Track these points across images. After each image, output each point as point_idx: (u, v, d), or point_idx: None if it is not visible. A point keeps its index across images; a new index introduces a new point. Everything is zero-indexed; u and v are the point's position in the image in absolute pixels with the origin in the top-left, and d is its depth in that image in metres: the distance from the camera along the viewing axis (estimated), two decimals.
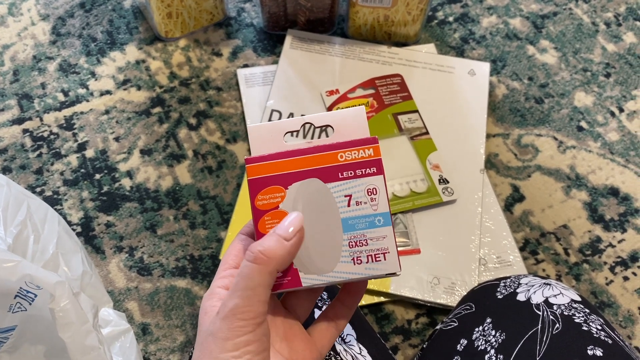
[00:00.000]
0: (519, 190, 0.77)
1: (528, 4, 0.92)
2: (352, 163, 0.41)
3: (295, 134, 0.72)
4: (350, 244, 0.40)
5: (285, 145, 0.42)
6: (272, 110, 0.79)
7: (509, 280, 0.54)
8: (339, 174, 0.41)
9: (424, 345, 0.57)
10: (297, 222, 0.39)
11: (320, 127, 0.43)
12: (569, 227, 0.75)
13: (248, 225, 0.44)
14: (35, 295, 0.53)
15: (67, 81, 0.84)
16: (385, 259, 0.40)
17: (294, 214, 0.39)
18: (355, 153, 0.41)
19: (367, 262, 0.40)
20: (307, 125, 0.41)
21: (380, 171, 0.41)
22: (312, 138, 0.38)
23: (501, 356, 0.46)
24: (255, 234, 0.41)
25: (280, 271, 0.39)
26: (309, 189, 0.41)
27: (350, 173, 0.41)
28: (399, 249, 0.70)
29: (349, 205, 0.40)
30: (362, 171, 0.41)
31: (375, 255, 0.40)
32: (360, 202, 0.40)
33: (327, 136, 0.43)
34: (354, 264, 0.40)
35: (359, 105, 0.40)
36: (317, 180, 0.41)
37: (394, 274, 0.40)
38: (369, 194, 0.40)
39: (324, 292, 0.52)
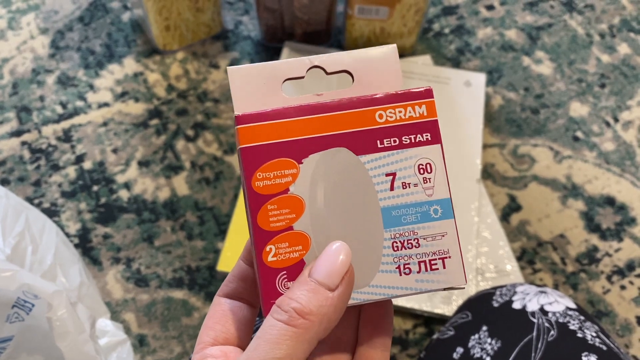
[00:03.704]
0: (515, 200, 0.78)
1: (523, 15, 0.92)
2: (397, 127, 0.29)
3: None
4: (395, 245, 0.29)
5: (286, 99, 0.30)
6: None
7: (504, 288, 0.54)
8: (377, 142, 0.29)
9: (421, 355, 0.57)
10: (345, 261, 0.27)
11: (334, 73, 0.31)
12: (565, 237, 0.75)
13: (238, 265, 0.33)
14: (33, 305, 0.54)
15: (65, 94, 0.84)
16: (444, 267, 0.29)
17: (336, 248, 0.28)
18: (400, 112, 0.29)
19: (418, 272, 0.29)
20: (315, 71, 0.30)
21: (436, 139, 0.29)
22: (323, 90, 0.31)
23: None
24: (253, 239, 0.29)
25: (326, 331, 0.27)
26: (333, 164, 0.29)
27: (394, 141, 0.29)
28: None
29: (392, 188, 0.29)
30: (410, 138, 0.29)
31: (431, 261, 0.29)
32: (409, 183, 0.29)
33: (342, 88, 0.31)
34: (400, 274, 0.29)
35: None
36: (345, 150, 0.29)
37: (456, 288, 0.29)
38: (421, 172, 0.29)
39: None
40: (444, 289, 0.29)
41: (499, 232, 0.74)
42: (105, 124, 0.82)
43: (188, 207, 0.77)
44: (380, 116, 0.29)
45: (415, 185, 0.29)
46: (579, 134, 0.82)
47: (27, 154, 0.80)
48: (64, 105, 0.84)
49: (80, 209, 0.76)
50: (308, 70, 0.30)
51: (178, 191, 0.78)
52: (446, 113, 0.81)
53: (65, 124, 0.82)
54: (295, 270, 0.28)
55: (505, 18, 0.92)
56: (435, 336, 0.57)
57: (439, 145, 0.29)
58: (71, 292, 0.60)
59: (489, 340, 0.49)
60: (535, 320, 0.47)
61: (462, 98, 0.83)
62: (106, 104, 0.84)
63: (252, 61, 0.88)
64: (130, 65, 0.87)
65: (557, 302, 0.49)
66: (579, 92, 0.86)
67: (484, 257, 0.72)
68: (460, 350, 0.50)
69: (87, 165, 0.79)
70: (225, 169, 0.79)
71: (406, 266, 0.28)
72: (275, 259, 0.29)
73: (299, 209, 0.29)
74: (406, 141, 0.29)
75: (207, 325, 0.30)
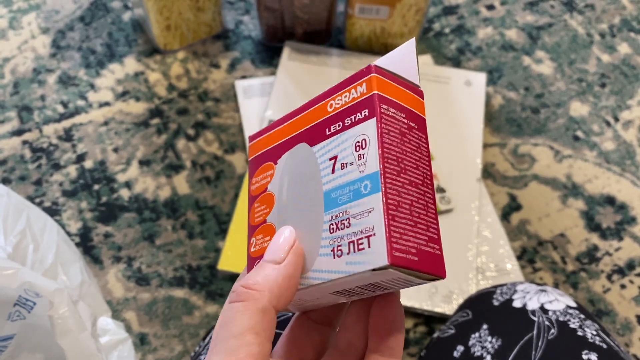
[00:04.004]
0: (516, 199, 0.78)
1: (523, 15, 0.93)
2: (342, 111, 0.29)
3: None
4: (332, 227, 0.27)
5: None
6: (270, 121, 0.80)
7: (505, 287, 0.54)
8: (326, 130, 0.29)
9: (422, 354, 0.57)
10: (288, 238, 0.29)
11: None
12: (566, 236, 0.75)
13: None
14: (34, 304, 0.54)
15: (66, 93, 0.84)
16: (369, 246, 0.26)
17: (282, 229, 0.29)
18: (346, 96, 0.29)
19: (347, 254, 0.26)
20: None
21: (372, 113, 0.27)
22: None
23: None
24: (248, 230, 0.32)
25: (284, 308, 0.28)
26: (295, 159, 0.30)
27: (339, 125, 0.29)
28: None
29: (333, 171, 0.28)
30: (351, 119, 0.28)
31: (358, 241, 0.26)
32: (346, 163, 0.28)
33: None
34: (334, 257, 0.27)
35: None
36: (304, 145, 0.30)
37: (384, 271, 0.25)
38: (357, 149, 0.28)
39: None
40: (371, 271, 0.26)
41: (499, 231, 0.74)
42: (106, 123, 0.82)
43: (189, 206, 0.77)
44: (331, 105, 0.29)
45: (352, 163, 0.27)
46: (579, 133, 0.82)
47: (28, 153, 0.80)
48: (65, 104, 0.84)
49: (81, 208, 0.76)
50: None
51: (179, 190, 0.78)
52: (446, 112, 0.81)
53: (66, 123, 0.82)
54: None
55: (505, 18, 0.92)
56: (435, 335, 0.57)
57: (374, 118, 0.27)
58: (72, 291, 0.60)
59: (489, 338, 0.49)
60: (535, 319, 0.47)
61: (462, 97, 0.83)
62: (107, 104, 0.84)
63: (252, 61, 0.88)
64: (131, 64, 0.87)
65: (558, 301, 0.49)
66: (579, 92, 0.86)
67: (484, 256, 0.72)
68: (460, 348, 0.50)
69: (88, 164, 0.79)
70: (225, 168, 0.79)
71: (339, 248, 0.27)
72: (254, 249, 0.31)
73: (271, 204, 0.31)
74: (348, 122, 0.28)
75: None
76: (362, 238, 0.26)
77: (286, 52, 0.86)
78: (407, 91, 0.29)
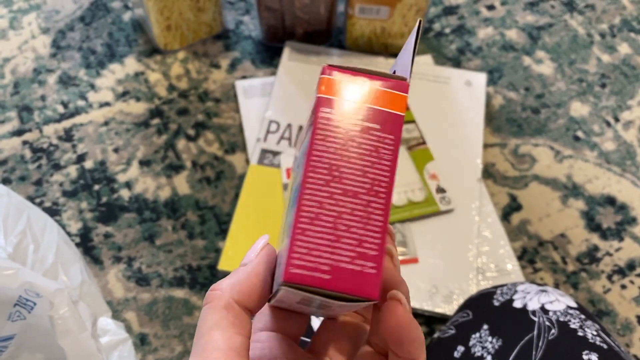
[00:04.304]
0: (516, 199, 0.78)
1: (524, 15, 0.93)
2: (310, 118, 0.29)
3: None
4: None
5: None
6: (270, 121, 0.80)
7: (505, 287, 0.54)
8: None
9: None
10: (262, 240, 0.29)
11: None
12: (566, 236, 0.75)
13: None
14: (35, 304, 0.54)
15: (66, 93, 0.84)
16: (282, 262, 0.26)
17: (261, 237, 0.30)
18: (311, 103, 0.28)
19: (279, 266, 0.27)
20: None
21: (314, 119, 0.26)
22: None
23: None
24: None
25: (255, 306, 0.28)
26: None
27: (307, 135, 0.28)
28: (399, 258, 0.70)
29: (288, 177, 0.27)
30: (307, 126, 0.28)
31: (282, 254, 0.26)
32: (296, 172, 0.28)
33: None
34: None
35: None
36: None
37: (282, 287, 0.25)
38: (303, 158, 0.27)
39: None
40: (280, 287, 0.25)
41: (499, 231, 0.74)
42: (106, 123, 0.82)
43: (189, 207, 0.77)
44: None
45: (298, 174, 0.28)
46: (580, 133, 0.82)
47: (28, 153, 0.80)
48: (65, 104, 0.84)
49: (81, 208, 0.76)
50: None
51: (179, 190, 0.78)
52: (447, 113, 0.81)
53: (67, 124, 0.82)
54: None
55: (505, 18, 0.92)
56: (436, 335, 0.57)
57: (313, 124, 0.26)
58: (72, 291, 0.60)
59: (489, 339, 0.49)
60: (536, 319, 0.47)
61: (462, 98, 0.83)
62: (107, 104, 0.84)
63: (252, 61, 0.88)
64: (131, 64, 0.87)
65: (558, 301, 0.49)
66: (580, 92, 0.86)
67: (484, 257, 0.72)
68: (461, 349, 0.51)
69: (88, 164, 0.79)
70: (226, 168, 0.79)
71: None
72: None
73: None
74: (308, 132, 0.28)
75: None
76: (283, 251, 0.26)
77: (286, 52, 0.86)
78: (379, 88, 0.26)
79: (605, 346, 0.44)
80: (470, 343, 0.50)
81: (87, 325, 0.52)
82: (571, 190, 0.78)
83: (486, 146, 0.81)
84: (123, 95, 0.84)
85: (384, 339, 0.30)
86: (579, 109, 0.84)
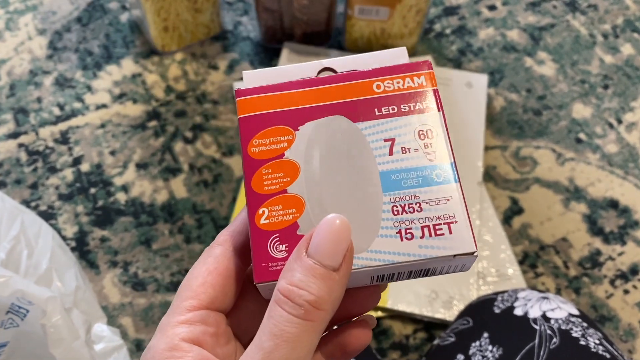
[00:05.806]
0: (517, 202, 0.77)
1: (525, 16, 0.92)
2: (395, 95, 0.30)
3: None
4: (395, 209, 0.28)
5: None
6: None
7: (506, 294, 0.53)
8: (375, 110, 0.30)
9: None
10: (345, 237, 0.26)
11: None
12: (568, 240, 0.74)
13: (237, 222, 0.31)
14: (28, 311, 0.53)
15: (63, 95, 0.84)
16: (451, 232, 0.27)
17: (332, 220, 0.26)
18: (399, 82, 0.30)
19: (421, 237, 0.28)
20: (326, 73, 0.31)
21: (437, 106, 0.30)
22: None
23: None
24: (247, 203, 0.29)
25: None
26: (329, 130, 0.30)
27: (392, 109, 0.30)
28: None
29: (390, 153, 0.29)
30: (409, 107, 0.30)
31: (435, 226, 0.28)
32: (409, 148, 0.29)
33: None
34: (402, 239, 0.28)
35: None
36: (342, 118, 0.30)
37: (468, 256, 0.27)
38: (422, 137, 0.29)
39: None
40: (453, 256, 0.27)
41: (500, 235, 0.73)
42: (103, 125, 0.81)
43: (186, 210, 0.76)
44: (378, 87, 0.30)
45: (416, 150, 0.29)
46: (582, 135, 0.81)
47: (24, 156, 0.79)
48: (61, 106, 0.83)
49: (77, 212, 0.76)
50: (319, 72, 0.32)
51: (176, 194, 0.77)
52: (447, 114, 0.80)
53: (63, 126, 0.81)
54: (288, 232, 0.28)
55: (507, 18, 0.91)
56: (435, 342, 0.56)
57: (441, 112, 0.30)
58: (67, 297, 0.59)
59: (490, 347, 0.48)
60: (537, 327, 0.47)
61: (463, 99, 0.82)
62: (104, 106, 0.83)
63: (251, 62, 0.87)
64: (128, 66, 0.86)
65: (560, 309, 0.48)
66: (582, 94, 0.85)
67: (485, 261, 0.71)
68: (460, 357, 0.50)
69: (85, 167, 0.78)
70: (224, 171, 0.78)
71: (408, 231, 0.28)
72: (267, 221, 0.29)
73: (293, 173, 0.29)
74: (405, 109, 0.30)
75: (200, 273, 0.30)
76: (440, 224, 0.28)
77: (285, 54, 0.85)
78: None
79: (607, 355, 0.43)
80: (470, 352, 0.49)
81: (80, 333, 0.51)
82: (573, 193, 0.77)
83: (487, 148, 0.80)
84: (120, 97, 0.84)
85: (338, 346, 0.30)
86: (581, 110, 0.83)
